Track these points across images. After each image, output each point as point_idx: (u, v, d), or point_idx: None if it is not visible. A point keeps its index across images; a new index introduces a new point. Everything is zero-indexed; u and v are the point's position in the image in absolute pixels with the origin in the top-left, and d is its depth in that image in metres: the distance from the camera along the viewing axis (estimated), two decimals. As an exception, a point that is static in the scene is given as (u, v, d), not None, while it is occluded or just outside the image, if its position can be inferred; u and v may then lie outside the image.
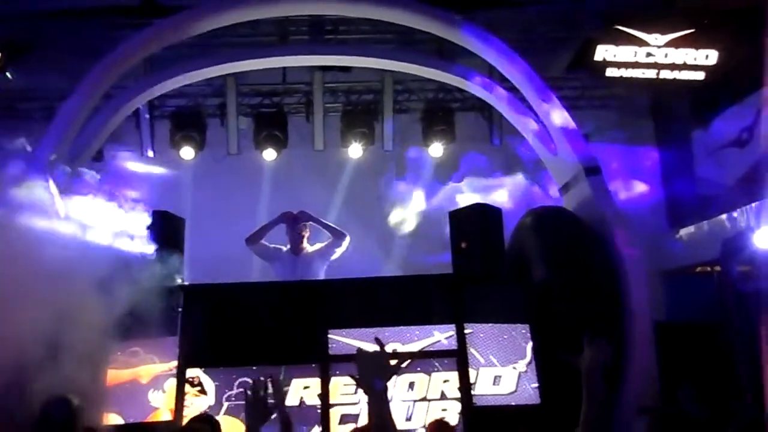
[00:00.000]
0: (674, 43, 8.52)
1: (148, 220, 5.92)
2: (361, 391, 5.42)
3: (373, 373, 2.26)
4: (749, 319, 7.42)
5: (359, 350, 2.39)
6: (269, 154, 10.08)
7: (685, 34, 8.52)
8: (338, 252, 6.80)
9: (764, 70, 7.89)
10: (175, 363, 5.59)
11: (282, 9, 7.89)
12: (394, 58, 8.53)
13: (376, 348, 2.48)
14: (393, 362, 2.39)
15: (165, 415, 5.47)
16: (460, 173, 10.16)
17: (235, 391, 5.56)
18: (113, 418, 5.45)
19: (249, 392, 3.02)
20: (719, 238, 8.28)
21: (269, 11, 7.83)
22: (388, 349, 5.70)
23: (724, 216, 8.59)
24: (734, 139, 8.96)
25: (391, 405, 5.54)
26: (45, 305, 4.46)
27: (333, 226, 6.99)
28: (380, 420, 2.24)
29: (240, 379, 5.48)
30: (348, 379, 5.60)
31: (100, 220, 5.77)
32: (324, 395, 5.59)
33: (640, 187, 9.77)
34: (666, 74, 8.64)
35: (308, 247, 6.88)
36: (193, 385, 5.53)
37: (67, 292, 4.58)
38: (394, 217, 9.65)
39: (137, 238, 5.81)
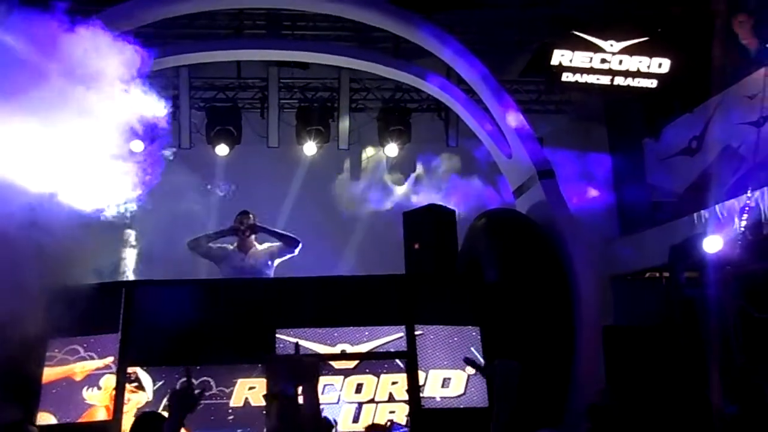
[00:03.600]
0: (629, 50, 8.64)
1: None
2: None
3: (286, 378, 2.14)
4: (695, 323, 7.55)
5: (271, 355, 2.28)
6: (222, 150, 9.89)
7: (640, 42, 8.65)
8: (289, 256, 6.67)
9: (713, 80, 8.05)
10: (110, 359, 5.41)
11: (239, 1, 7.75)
12: (351, 55, 8.43)
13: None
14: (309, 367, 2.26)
15: (101, 412, 5.27)
16: (415, 174, 10.15)
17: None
18: (46, 418, 5.21)
19: (178, 386, 2.88)
20: (668, 244, 8.42)
21: (224, 2, 7.68)
22: (337, 349, 5.66)
23: (673, 222, 8.74)
24: (684, 147, 9.12)
25: (338, 407, 5.39)
26: None
27: (286, 234, 6.80)
28: (286, 427, 2.09)
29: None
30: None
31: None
32: (270, 396, 5.46)
33: (592, 193, 9.87)
34: (620, 81, 8.74)
35: (257, 246, 6.71)
36: (130, 381, 5.35)
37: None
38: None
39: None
